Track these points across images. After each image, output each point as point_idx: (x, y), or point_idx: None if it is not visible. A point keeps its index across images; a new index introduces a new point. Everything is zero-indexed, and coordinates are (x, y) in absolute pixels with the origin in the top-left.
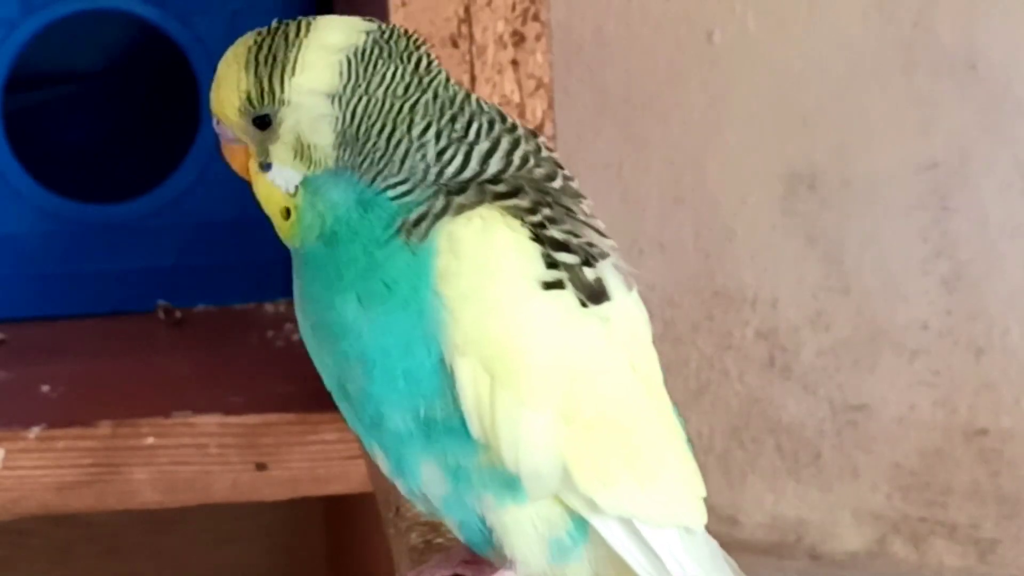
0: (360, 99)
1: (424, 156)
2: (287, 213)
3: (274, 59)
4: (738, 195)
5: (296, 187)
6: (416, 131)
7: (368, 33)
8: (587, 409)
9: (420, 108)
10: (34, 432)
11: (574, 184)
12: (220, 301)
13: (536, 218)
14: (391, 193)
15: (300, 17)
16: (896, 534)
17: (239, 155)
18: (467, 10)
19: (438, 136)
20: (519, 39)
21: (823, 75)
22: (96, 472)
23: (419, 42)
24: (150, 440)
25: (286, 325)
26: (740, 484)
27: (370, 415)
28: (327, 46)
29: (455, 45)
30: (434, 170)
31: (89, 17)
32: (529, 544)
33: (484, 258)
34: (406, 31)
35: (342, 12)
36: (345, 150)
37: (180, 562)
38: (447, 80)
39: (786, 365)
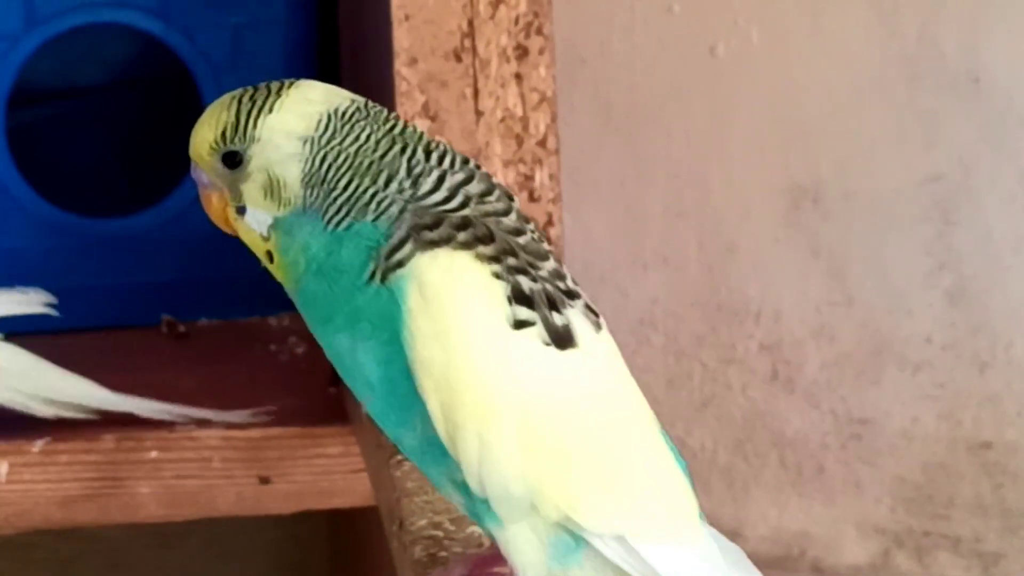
0: (332, 149)
1: (393, 195)
2: (270, 256)
3: (254, 102)
4: (741, 209)
5: (269, 229)
6: (382, 181)
7: (353, 101)
8: (550, 439)
9: (390, 158)
10: (38, 445)
11: (535, 235)
12: (224, 315)
13: (500, 267)
14: (360, 234)
15: (292, 79)
16: (900, 548)
17: (215, 201)
18: (471, 24)
19: (409, 171)
20: (522, 53)
21: (826, 89)
22: (100, 486)
23: (397, 116)
24: (154, 454)
25: (290, 339)
26: (743, 497)
27: (388, 430)
28: (308, 99)
29: (458, 59)
30: (404, 195)
31: (92, 31)
32: (529, 551)
33: (446, 299)
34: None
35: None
36: (311, 191)
37: None
38: (421, 136)
39: (789, 378)
